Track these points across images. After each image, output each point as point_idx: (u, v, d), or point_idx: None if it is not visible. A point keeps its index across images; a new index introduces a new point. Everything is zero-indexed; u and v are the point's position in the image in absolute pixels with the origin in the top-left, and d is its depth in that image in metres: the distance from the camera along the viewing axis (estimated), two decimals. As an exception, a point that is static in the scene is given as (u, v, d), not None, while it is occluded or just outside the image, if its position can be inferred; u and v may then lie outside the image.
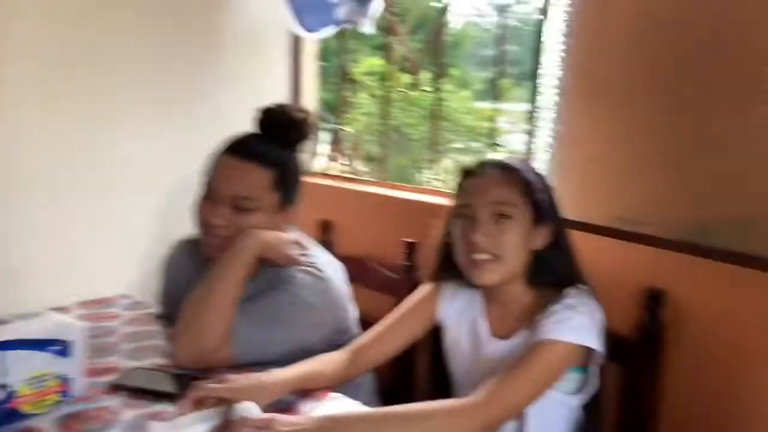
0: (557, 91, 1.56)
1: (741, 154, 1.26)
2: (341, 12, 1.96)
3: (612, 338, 1.42)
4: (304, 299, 1.29)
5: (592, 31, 1.48)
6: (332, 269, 1.39)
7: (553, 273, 1.19)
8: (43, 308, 1.45)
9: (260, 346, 1.25)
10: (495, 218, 1.14)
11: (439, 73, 2.18)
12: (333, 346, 1.34)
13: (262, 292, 1.30)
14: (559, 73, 1.55)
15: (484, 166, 1.20)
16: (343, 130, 2.52)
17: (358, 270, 1.97)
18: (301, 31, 2.05)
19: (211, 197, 1.31)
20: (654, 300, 1.38)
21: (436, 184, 2.16)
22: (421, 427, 1.00)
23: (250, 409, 1.01)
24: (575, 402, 1.19)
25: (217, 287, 1.25)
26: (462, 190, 1.20)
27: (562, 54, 1.53)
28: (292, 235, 1.40)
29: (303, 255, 1.35)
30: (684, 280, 1.38)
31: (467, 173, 1.21)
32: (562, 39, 1.53)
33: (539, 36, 1.62)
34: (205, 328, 1.22)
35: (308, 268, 1.33)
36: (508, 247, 1.14)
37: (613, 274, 1.45)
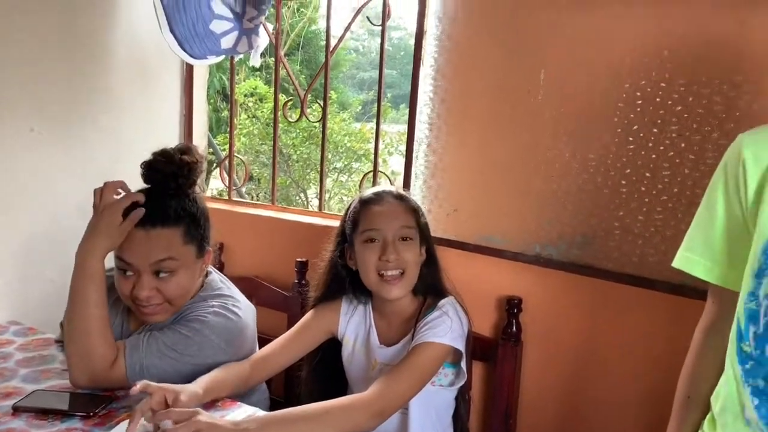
0: (428, 124, 1.76)
1: (579, 182, 1.52)
2: (226, 42, 2.03)
3: (479, 340, 1.65)
4: (213, 342, 1.33)
5: (459, 73, 1.70)
6: (245, 312, 1.43)
7: (428, 284, 1.41)
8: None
9: (157, 374, 1.27)
10: (400, 240, 1.34)
11: (316, 95, 2.29)
12: None
13: (173, 325, 1.35)
14: (430, 108, 1.75)
15: (382, 195, 1.39)
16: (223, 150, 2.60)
17: (250, 289, 2.07)
18: (186, 58, 2.11)
19: (130, 271, 1.32)
20: (513, 306, 1.61)
21: (316, 203, 2.29)
22: (322, 421, 1.14)
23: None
24: (450, 394, 1.41)
25: (79, 313, 1.28)
26: (367, 217, 1.36)
27: (431, 93, 1.74)
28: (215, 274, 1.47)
29: (218, 295, 1.41)
30: (537, 289, 1.62)
31: (366, 202, 1.38)
32: (431, 79, 1.74)
33: (414, 65, 1.80)
34: (88, 350, 1.26)
35: (222, 311, 1.37)
36: (411, 263, 1.35)
37: (480, 285, 1.67)
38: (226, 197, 2.42)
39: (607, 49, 1.46)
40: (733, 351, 1.01)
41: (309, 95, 2.21)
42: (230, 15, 1.96)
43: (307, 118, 2.25)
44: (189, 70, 2.38)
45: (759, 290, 0.97)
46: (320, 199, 2.24)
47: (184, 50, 2.06)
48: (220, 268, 2.12)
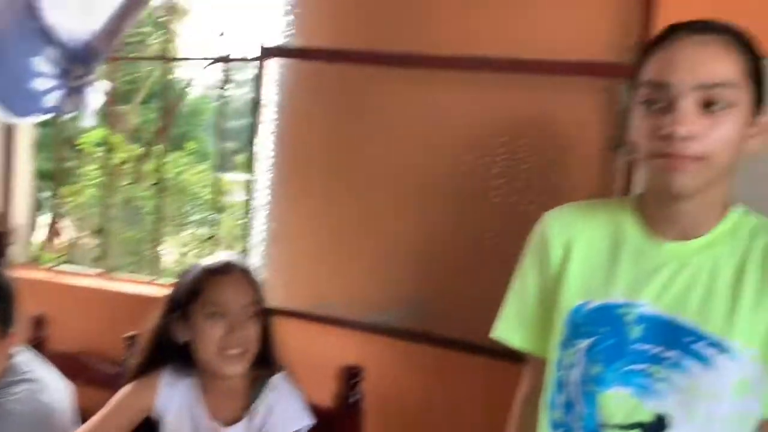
0: (269, 189, 1.74)
1: (412, 250, 1.56)
2: (50, 100, 1.90)
3: (319, 412, 1.61)
4: None
5: (298, 140, 1.71)
6: (55, 396, 1.34)
7: (260, 357, 1.35)
8: None
9: None
10: (245, 316, 1.29)
11: (175, 145, 2.21)
12: None
13: None
14: (271, 174, 1.74)
15: (229, 268, 1.33)
16: (64, 203, 2.41)
17: (75, 366, 1.90)
18: (8, 117, 1.95)
19: None
20: (353, 375, 1.60)
21: (168, 259, 2.18)
22: None
23: None
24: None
25: None
26: (213, 290, 1.30)
27: (272, 159, 1.73)
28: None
29: (23, 380, 1.30)
30: (376, 357, 1.62)
31: (212, 272, 1.32)
32: (272, 145, 1.73)
33: (251, 133, 1.78)
34: None
35: (26, 398, 1.28)
36: (254, 340, 1.31)
37: (319, 355, 1.64)
38: (56, 262, 2.22)
39: (438, 125, 1.54)
40: (545, 418, 1.06)
41: (166, 144, 2.12)
42: (54, 72, 1.84)
43: (152, 159, 2.15)
44: (9, 127, 2.20)
45: (564, 360, 1.03)
46: (178, 263, 2.13)
47: (6, 108, 1.91)
48: (41, 344, 1.93)
